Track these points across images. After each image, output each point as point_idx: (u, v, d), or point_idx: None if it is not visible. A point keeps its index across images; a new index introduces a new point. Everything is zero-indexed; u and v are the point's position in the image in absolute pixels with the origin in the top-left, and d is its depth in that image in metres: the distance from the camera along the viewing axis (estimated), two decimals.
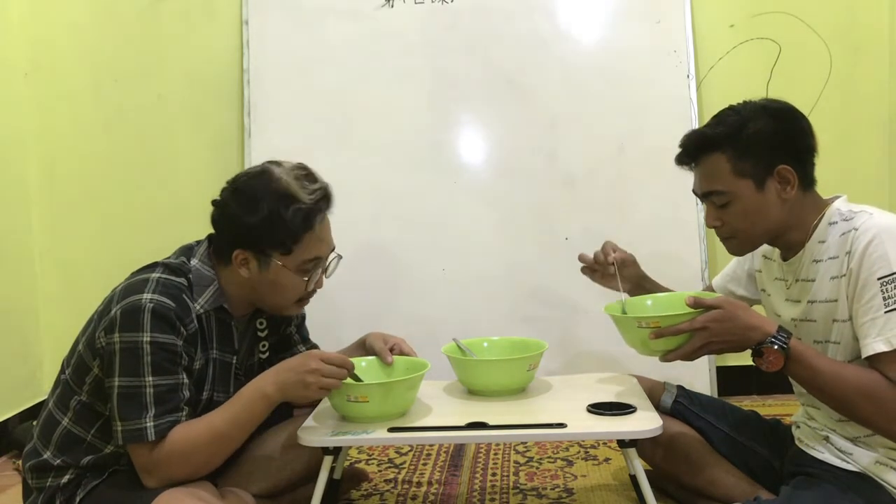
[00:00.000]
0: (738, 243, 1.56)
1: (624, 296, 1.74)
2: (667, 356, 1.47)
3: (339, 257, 1.63)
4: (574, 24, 2.68)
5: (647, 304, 1.70)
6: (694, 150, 1.54)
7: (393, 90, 2.69)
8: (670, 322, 1.44)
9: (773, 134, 1.47)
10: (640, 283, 1.80)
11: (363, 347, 1.77)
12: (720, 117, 1.53)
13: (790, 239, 1.52)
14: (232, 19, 2.75)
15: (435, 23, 2.69)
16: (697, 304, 1.43)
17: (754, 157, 1.47)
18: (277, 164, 1.57)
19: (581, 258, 1.80)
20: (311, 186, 1.54)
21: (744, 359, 2.61)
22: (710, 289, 1.86)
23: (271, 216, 1.49)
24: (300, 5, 2.72)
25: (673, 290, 1.78)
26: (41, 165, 2.76)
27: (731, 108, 1.54)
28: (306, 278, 1.55)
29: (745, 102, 1.53)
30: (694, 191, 1.58)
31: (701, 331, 1.42)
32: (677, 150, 1.56)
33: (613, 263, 1.74)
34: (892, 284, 1.34)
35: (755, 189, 1.48)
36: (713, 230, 1.58)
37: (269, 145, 2.67)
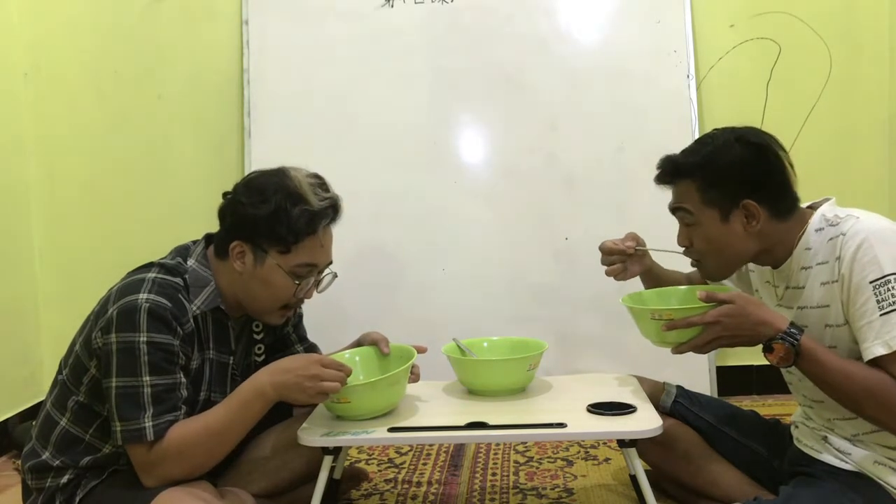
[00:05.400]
0: (705, 268, 1.58)
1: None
2: (679, 348, 1.49)
3: (335, 275, 1.63)
4: (574, 24, 2.68)
5: (664, 297, 1.71)
6: (668, 175, 1.57)
7: (393, 90, 2.69)
8: (682, 315, 1.46)
9: (742, 168, 1.48)
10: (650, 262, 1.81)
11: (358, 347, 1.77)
12: (697, 145, 1.56)
13: (774, 255, 1.53)
14: (232, 19, 2.75)
15: (435, 23, 2.69)
16: (710, 299, 1.44)
17: (721, 189, 1.49)
18: (294, 168, 1.58)
19: (609, 272, 1.78)
20: (322, 193, 1.55)
21: (744, 359, 2.66)
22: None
23: (277, 211, 1.50)
24: (300, 5, 2.72)
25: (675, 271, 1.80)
26: (41, 166, 2.76)
27: (710, 134, 1.56)
28: (297, 282, 1.55)
29: (724, 129, 1.55)
30: (668, 205, 1.60)
31: (713, 325, 1.43)
32: (655, 172, 1.59)
33: (632, 246, 1.75)
34: (885, 287, 1.35)
35: (720, 220, 1.50)
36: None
37: (269, 145, 2.67)
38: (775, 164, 1.49)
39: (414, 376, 1.69)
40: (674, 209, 1.58)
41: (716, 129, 1.56)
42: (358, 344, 1.76)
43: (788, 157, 1.51)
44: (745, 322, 1.42)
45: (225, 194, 1.59)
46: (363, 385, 1.55)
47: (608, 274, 1.78)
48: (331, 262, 1.61)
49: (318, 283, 1.61)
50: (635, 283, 1.87)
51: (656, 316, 1.50)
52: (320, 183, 1.57)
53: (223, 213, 1.58)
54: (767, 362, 1.42)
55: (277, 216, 1.50)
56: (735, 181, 1.48)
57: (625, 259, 1.77)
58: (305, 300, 1.63)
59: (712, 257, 1.55)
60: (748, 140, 1.51)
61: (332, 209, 1.56)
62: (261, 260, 1.53)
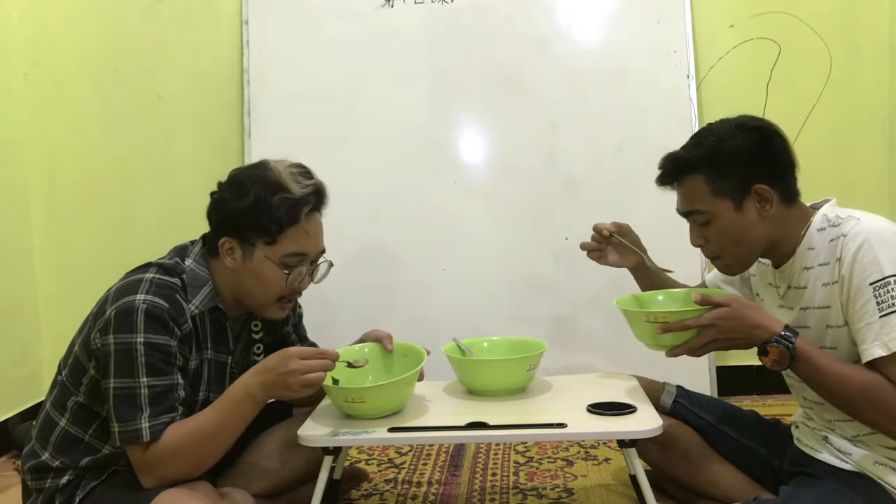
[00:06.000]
0: (724, 263, 1.57)
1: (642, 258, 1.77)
2: (674, 351, 1.49)
3: (331, 264, 1.63)
4: (574, 24, 2.68)
5: (659, 300, 1.71)
6: (672, 172, 1.56)
7: (393, 90, 2.69)
8: (678, 318, 1.46)
9: (749, 153, 1.48)
10: (642, 250, 1.81)
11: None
12: (698, 138, 1.54)
13: (780, 250, 1.52)
14: (232, 19, 2.75)
15: (435, 23, 2.69)
16: (705, 302, 1.44)
17: (731, 178, 1.48)
18: (277, 160, 1.58)
19: (583, 246, 1.83)
20: (303, 181, 1.54)
21: (744, 359, 2.66)
22: (703, 286, 1.87)
23: (258, 203, 1.50)
24: (300, 5, 2.72)
25: (670, 270, 1.81)
26: (41, 166, 2.76)
27: (708, 127, 1.55)
28: (287, 272, 1.54)
29: (721, 121, 1.54)
30: (677, 210, 1.59)
31: (708, 328, 1.43)
32: (656, 173, 1.58)
33: (611, 234, 1.77)
34: (885, 289, 1.35)
35: (734, 209, 1.49)
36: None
37: (269, 145, 2.66)
38: (780, 145, 1.49)
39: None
40: (686, 213, 1.56)
41: (712, 123, 1.56)
42: (361, 341, 1.76)
43: (787, 138, 1.51)
44: (740, 325, 1.41)
45: (212, 194, 1.59)
46: (379, 386, 1.56)
47: (582, 248, 1.82)
48: (323, 251, 1.61)
49: (312, 273, 1.60)
50: (631, 285, 1.87)
51: (651, 319, 1.49)
52: (302, 171, 1.57)
53: (210, 213, 1.58)
54: None
55: (258, 207, 1.50)
56: (744, 167, 1.47)
57: (601, 240, 1.79)
58: (303, 291, 1.62)
59: (731, 250, 1.53)
60: (749, 126, 1.51)
61: (315, 195, 1.55)
62: (249, 254, 1.53)
